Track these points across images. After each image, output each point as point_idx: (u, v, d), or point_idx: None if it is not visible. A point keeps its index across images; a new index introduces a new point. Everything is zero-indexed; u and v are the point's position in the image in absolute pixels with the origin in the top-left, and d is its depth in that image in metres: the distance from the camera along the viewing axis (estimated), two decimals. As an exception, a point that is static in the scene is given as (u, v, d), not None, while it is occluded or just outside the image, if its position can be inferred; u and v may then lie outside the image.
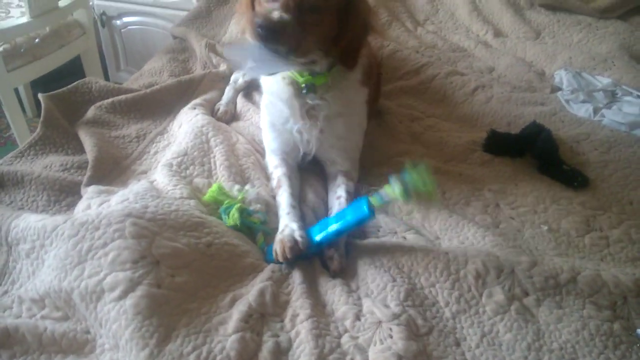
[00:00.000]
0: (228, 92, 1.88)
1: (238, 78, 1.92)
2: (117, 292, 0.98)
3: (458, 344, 1.03)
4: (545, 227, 1.39)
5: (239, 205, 1.25)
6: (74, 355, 1.00)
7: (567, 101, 1.95)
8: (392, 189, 1.11)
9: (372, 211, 1.15)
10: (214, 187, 1.31)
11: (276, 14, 1.14)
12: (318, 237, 1.18)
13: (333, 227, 1.17)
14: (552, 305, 1.11)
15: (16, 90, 2.66)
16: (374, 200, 1.15)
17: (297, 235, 1.17)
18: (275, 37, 1.15)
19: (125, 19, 3.20)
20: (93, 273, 1.01)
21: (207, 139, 1.52)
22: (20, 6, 2.39)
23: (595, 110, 1.87)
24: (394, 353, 0.97)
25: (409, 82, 2.06)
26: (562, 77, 2.10)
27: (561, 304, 1.11)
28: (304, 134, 1.43)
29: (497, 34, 2.48)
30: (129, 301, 0.96)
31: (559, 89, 2.07)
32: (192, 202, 1.24)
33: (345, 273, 1.19)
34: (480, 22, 2.54)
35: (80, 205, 1.26)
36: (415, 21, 2.64)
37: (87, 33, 2.60)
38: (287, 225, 1.21)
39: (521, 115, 1.83)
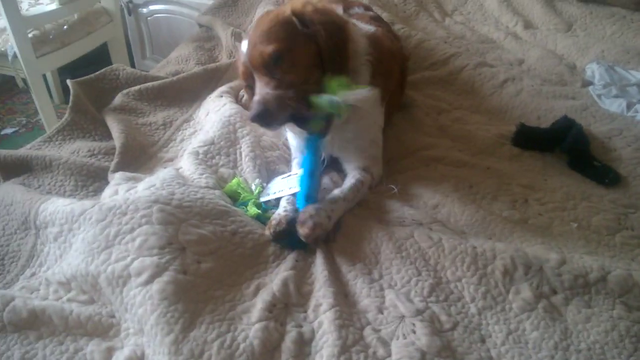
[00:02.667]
0: None
1: None
2: (143, 277, 0.99)
3: (483, 341, 1.02)
4: (575, 225, 1.35)
5: (253, 200, 1.26)
6: (99, 339, 1.01)
7: (599, 96, 1.90)
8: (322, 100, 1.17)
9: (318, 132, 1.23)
10: (234, 181, 1.32)
11: (257, 97, 1.17)
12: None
13: (302, 177, 1.23)
14: (581, 305, 1.08)
15: (44, 77, 2.70)
16: (314, 124, 1.22)
17: (282, 211, 1.22)
18: (267, 120, 1.18)
19: (152, 7, 3.22)
20: (120, 258, 1.02)
21: (234, 129, 1.52)
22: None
23: (629, 106, 1.81)
24: (417, 348, 0.96)
25: (436, 73, 2.02)
26: (593, 70, 2.04)
27: (590, 303, 1.08)
28: None
29: (527, 25, 2.43)
30: (155, 286, 0.97)
31: (591, 83, 2.01)
32: (217, 192, 1.25)
33: (335, 248, 1.18)
34: (510, 13, 2.48)
35: (108, 191, 1.27)
36: (444, 12, 2.60)
37: (114, 20, 2.62)
38: (280, 206, 1.26)
39: (551, 109, 1.78)
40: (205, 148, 1.44)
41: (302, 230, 1.15)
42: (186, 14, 3.14)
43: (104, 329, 1.03)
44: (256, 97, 1.18)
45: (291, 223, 1.18)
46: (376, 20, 1.81)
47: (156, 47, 3.40)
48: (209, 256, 1.06)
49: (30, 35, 2.22)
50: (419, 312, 1.03)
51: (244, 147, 1.44)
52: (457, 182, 1.47)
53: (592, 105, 1.82)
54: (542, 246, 1.23)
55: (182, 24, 3.19)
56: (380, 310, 1.05)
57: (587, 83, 2.02)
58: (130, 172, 1.37)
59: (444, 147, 1.63)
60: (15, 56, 2.20)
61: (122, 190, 1.21)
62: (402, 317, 1.03)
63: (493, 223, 1.31)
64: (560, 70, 2.09)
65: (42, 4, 2.43)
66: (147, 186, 1.17)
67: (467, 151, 1.63)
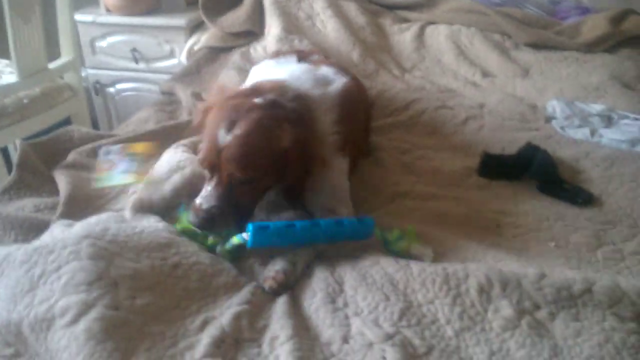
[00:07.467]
0: None
1: None
2: (68, 317, 0.86)
3: (464, 364, 0.90)
4: (552, 244, 1.28)
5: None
6: (21, 396, 0.86)
7: (563, 127, 1.90)
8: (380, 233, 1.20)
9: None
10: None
11: (205, 206, 1.13)
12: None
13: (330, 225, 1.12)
14: (568, 319, 0.98)
15: (6, 155, 2.63)
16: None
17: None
18: (210, 226, 1.13)
19: (119, 86, 3.25)
20: (44, 299, 0.90)
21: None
22: (12, 72, 2.41)
23: (592, 133, 1.80)
24: (388, 375, 0.84)
25: (398, 118, 2.01)
26: (554, 106, 2.05)
27: (578, 316, 0.98)
28: None
29: (485, 74, 2.47)
30: (81, 325, 0.84)
31: (553, 118, 2.01)
32: (161, 224, 1.15)
33: (301, 290, 1.07)
34: (467, 65, 2.53)
35: (43, 237, 1.16)
36: (402, 69, 2.64)
37: (78, 95, 2.61)
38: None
39: (515, 140, 1.76)
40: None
41: (266, 284, 1.07)
42: (154, 90, 3.15)
43: (28, 385, 0.88)
44: (205, 206, 1.12)
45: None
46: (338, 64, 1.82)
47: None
48: (145, 291, 0.94)
49: (-14, 109, 2.18)
50: (388, 337, 0.91)
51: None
52: (425, 213, 1.41)
53: (555, 134, 1.82)
54: (518, 264, 1.14)
55: (150, 101, 3.20)
56: (346, 340, 0.93)
57: (549, 119, 2.02)
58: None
59: (409, 183, 1.57)
60: (-29, 130, 2.15)
61: (57, 231, 1.11)
62: (370, 344, 0.91)
63: (464, 248, 1.23)
64: (522, 110, 2.10)
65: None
66: (81, 225, 1.07)
67: (433, 185, 1.57)
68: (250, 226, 1.05)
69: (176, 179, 1.36)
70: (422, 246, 1.20)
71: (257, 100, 1.24)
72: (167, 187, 1.34)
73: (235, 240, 1.10)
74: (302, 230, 1.10)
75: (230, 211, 1.13)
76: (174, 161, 1.47)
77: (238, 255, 1.14)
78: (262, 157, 1.17)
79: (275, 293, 1.05)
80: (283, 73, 1.48)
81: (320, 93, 1.41)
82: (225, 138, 1.15)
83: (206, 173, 1.20)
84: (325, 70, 1.57)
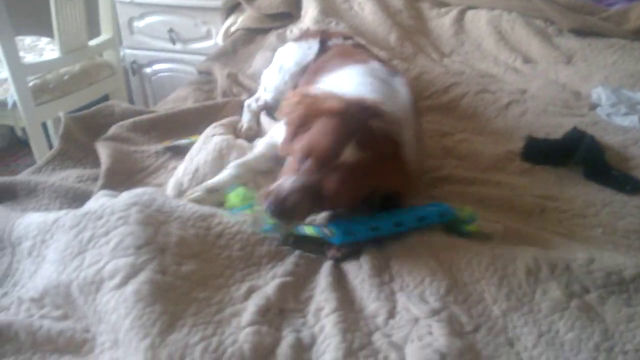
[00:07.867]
0: (245, 114, 1.84)
1: (251, 103, 1.89)
2: (117, 279, 0.87)
3: (511, 344, 0.88)
4: (600, 230, 1.24)
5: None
6: (70, 355, 0.88)
7: (609, 115, 1.83)
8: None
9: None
10: (239, 190, 1.14)
11: (285, 192, 1.00)
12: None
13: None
14: (620, 303, 0.95)
15: (46, 132, 2.69)
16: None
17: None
18: (287, 218, 1.02)
19: (156, 67, 3.28)
20: (93, 262, 0.92)
21: (220, 155, 1.44)
22: (53, 50, 2.46)
23: (641, 120, 1.74)
24: (435, 350, 0.83)
25: (437, 101, 1.98)
26: (599, 93, 1.99)
27: (630, 302, 0.96)
28: None
29: (527, 60, 2.41)
30: (130, 287, 0.86)
31: (597, 105, 1.95)
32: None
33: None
34: (508, 50, 2.47)
35: (88, 204, 1.18)
36: (441, 53, 2.60)
37: (116, 73, 2.65)
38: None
39: (559, 125, 1.71)
40: (189, 177, 1.36)
41: (329, 253, 1.06)
42: (189, 72, 3.17)
43: (76, 345, 0.90)
44: (285, 192, 1.00)
45: None
46: (357, 47, 1.79)
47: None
48: (191, 259, 0.95)
49: (30, 84, 2.23)
50: (435, 313, 0.90)
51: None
52: (467, 198, 1.37)
53: (601, 121, 1.76)
54: (566, 248, 1.11)
55: (186, 82, 3.22)
56: (392, 315, 0.92)
57: (594, 106, 1.96)
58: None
59: (450, 167, 1.54)
60: (14, 105, 2.20)
61: (103, 200, 1.12)
62: (416, 319, 0.90)
63: (510, 232, 1.20)
64: (565, 97, 2.03)
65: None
66: (128, 194, 1.08)
67: (475, 169, 1.54)
68: (336, 230, 1.03)
69: (221, 176, 1.33)
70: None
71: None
72: (215, 182, 1.30)
73: (311, 230, 1.05)
74: (386, 232, 1.08)
75: (309, 210, 1.04)
76: (210, 145, 1.47)
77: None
78: (368, 190, 1.10)
79: (336, 259, 1.05)
80: (359, 84, 1.38)
81: (398, 108, 1.31)
82: (343, 156, 1.03)
83: (295, 159, 1.07)
84: (379, 70, 1.49)
